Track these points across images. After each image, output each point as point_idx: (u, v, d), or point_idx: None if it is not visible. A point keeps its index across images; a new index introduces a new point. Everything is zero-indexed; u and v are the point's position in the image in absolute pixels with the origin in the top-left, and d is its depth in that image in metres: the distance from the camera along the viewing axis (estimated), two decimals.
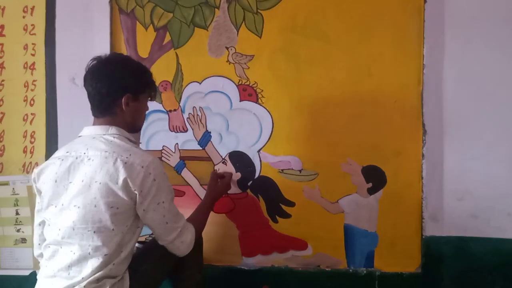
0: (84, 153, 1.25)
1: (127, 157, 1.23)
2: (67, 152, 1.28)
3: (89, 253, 1.20)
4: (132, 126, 1.37)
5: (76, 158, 1.25)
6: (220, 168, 1.78)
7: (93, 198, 1.20)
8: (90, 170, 1.22)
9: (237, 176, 1.77)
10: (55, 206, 1.25)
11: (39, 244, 1.35)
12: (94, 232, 1.20)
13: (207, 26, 1.76)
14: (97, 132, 1.30)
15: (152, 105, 1.78)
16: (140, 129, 1.44)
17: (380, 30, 1.69)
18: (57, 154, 1.32)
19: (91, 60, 1.32)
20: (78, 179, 1.23)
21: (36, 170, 1.32)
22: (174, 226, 1.32)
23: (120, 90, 1.30)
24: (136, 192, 1.22)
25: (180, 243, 1.34)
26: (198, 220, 1.49)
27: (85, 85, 1.32)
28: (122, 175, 1.20)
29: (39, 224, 1.34)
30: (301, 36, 1.73)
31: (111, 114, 1.31)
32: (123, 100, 1.30)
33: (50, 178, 1.26)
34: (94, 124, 1.33)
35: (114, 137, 1.28)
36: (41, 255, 1.33)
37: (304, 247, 1.75)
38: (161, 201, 1.27)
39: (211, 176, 1.69)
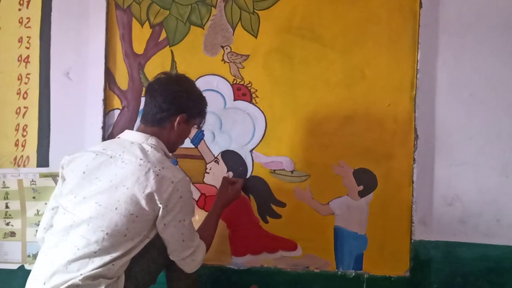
0: (120, 155, 1.26)
1: (159, 169, 1.23)
2: (103, 149, 1.29)
3: (94, 252, 1.18)
4: (171, 145, 1.39)
5: (111, 157, 1.26)
6: (212, 167, 1.78)
7: (116, 201, 1.20)
8: (121, 173, 1.22)
9: (229, 175, 1.77)
10: (75, 196, 1.24)
11: (44, 228, 1.35)
12: (107, 233, 1.19)
13: (203, 25, 1.76)
14: (136, 138, 1.31)
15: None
16: (174, 151, 1.45)
17: (375, 34, 1.70)
18: (92, 148, 1.33)
19: (159, 73, 1.38)
20: (107, 178, 1.23)
21: (67, 157, 1.33)
22: (190, 244, 1.34)
23: (179, 108, 1.34)
24: (160, 205, 1.22)
25: (191, 261, 1.36)
26: (209, 234, 1.49)
27: (146, 94, 1.36)
28: (150, 186, 1.20)
29: (52, 209, 1.35)
30: (297, 37, 1.73)
31: (160, 127, 1.34)
32: (178, 118, 1.33)
33: (79, 168, 1.27)
34: (138, 130, 1.35)
35: (151, 147, 1.29)
36: (43, 240, 1.32)
37: (293, 248, 1.75)
38: (183, 219, 1.28)
39: (222, 182, 1.69)
